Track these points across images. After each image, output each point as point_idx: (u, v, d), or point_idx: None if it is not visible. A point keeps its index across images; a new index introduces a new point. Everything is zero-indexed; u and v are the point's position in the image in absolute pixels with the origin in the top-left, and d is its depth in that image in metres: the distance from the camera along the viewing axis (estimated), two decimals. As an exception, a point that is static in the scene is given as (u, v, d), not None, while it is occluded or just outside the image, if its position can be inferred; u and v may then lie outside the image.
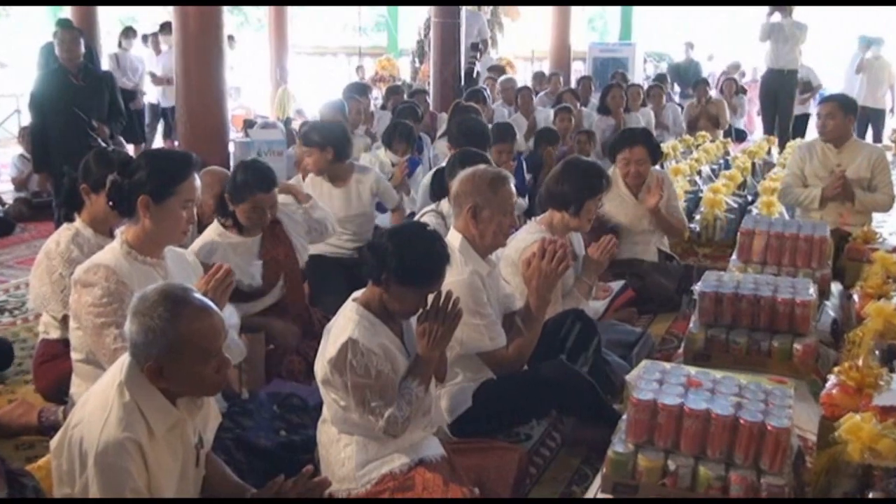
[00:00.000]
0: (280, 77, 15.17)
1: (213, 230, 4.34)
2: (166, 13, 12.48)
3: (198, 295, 2.52)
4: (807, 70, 13.36)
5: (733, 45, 20.79)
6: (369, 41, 22.32)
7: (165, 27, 12.25)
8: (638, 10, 19.26)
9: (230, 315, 3.44)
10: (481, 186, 3.67)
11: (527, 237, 4.28)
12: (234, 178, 4.32)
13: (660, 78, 14.20)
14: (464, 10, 11.65)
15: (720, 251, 6.54)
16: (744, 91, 14.22)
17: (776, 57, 11.77)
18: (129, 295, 3.09)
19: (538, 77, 14.27)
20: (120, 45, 11.91)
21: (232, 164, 7.54)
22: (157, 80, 12.19)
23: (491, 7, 17.28)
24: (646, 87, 12.96)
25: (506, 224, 3.70)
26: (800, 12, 12.12)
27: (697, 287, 3.98)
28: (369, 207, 5.80)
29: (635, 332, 4.81)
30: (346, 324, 3.02)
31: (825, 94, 8.76)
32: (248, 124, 9.81)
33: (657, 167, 6.18)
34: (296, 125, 10.00)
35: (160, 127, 12.74)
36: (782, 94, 11.94)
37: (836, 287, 5.02)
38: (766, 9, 11.87)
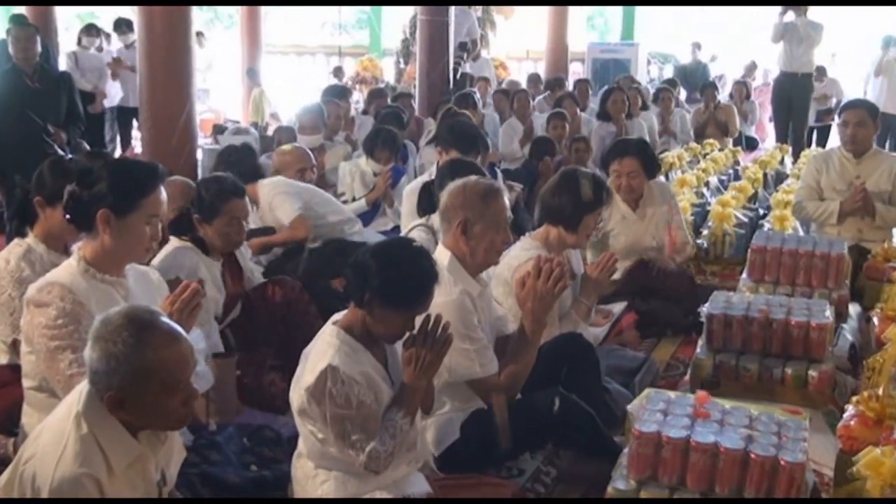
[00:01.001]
0: (252, 79, 15.17)
1: (176, 243, 4.36)
2: (129, 9, 12.42)
3: (166, 320, 2.51)
4: (830, 83, 13.40)
5: (742, 46, 20.89)
6: (350, 40, 22.35)
7: (121, 24, 12.21)
8: (641, 8, 19.34)
9: (198, 339, 3.43)
10: (472, 199, 3.68)
11: (521, 254, 4.28)
12: (199, 194, 4.34)
13: (670, 81, 14.25)
14: (453, 6, 11.69)
15: (729, 269, 6.54)
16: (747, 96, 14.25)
17: (790, 59, 11.82)
18: (87, 316, 3.08)
19: (534, 80, 14.31)
20: (80, 42, 11.88)
21: (200, 172, 7.54)
22: (116, 65, 11.95)
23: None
24: (651, 90, 13.01)
25: (499, 241, 3.70)
26: (815, 12, 12.17)
27: (705, 309, 4.00)
28: None
29: (638, 357, 4.81)
30: (325, 349, 3.01)
31: (848, 99, 8.78)
32: (218, 129, 9.84)
33: (660, 178, 6.20)
34: (272, 130, 10.02)
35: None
36: (796, 99, 11.99)
37: (854, 309, 5.05)
38: (777, 8, 11.93)
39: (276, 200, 5.63)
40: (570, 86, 13.57)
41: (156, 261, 4.14)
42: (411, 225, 5.28)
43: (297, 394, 3.03)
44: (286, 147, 6.36)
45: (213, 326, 4.24)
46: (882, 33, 13.95)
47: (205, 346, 3.64)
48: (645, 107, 11.20)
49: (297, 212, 5.58)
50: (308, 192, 5.85)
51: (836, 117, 8.51)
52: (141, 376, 2.41)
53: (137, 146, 11.34)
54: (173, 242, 4.35)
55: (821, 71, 14.05)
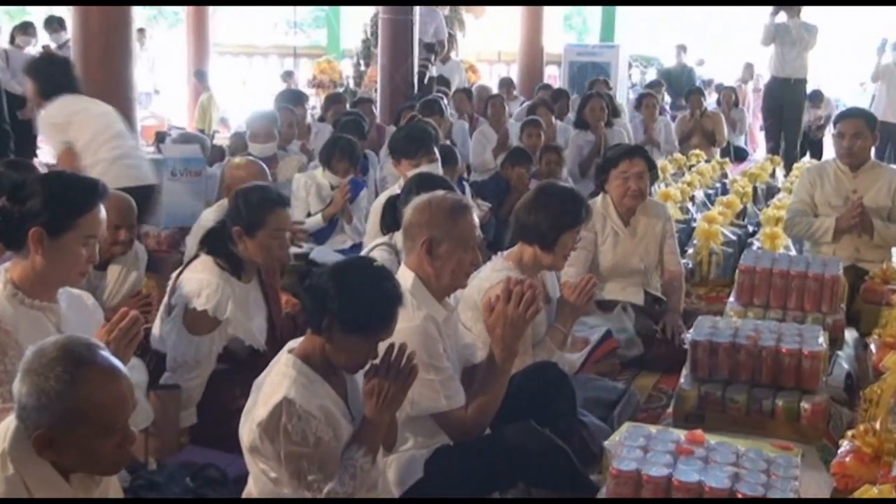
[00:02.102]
0: (200, 82, 15.14)
1: (211, 270, 4.26)
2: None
3: (105, 354, 2.49)
4: (826, 105, 13.53)
5: (731, 49, 21.08)
6: (306, 39, 22.37)
7: (52, 22, 12.12)
8: (622, 7, 19.48)
9: (136, 370, 3.42)
10: (438, 216, 3.68)
11: (492, 276, 4.28)
12: (238, 206, 4.31)
13: (653, 85, 14.32)
14: (418, 6, 11.71)
15: (716, 292, 6.56)
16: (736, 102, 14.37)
17: (782, 63, 11.90)
18: (14, 345, 3.05)
19: (506, 84, 14.36)
20: (13, 41, 11.79)
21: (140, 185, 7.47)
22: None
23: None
24: (630, 95, 13.07)
25: (467, 261, 3.70)
26: (809, 13, 12.25)
27: (689, 335, 4.03)
28: None
29: (617, 388, 4.82)
30: (280, 380, 3.00)
31: (844, 108, 8.86)
32: (161, 137, 9.78)
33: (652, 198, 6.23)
34: (222, 139, 10.00)
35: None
36: (789, 106, 12.08)
37: (850, 335, 5.09)
38: (768, 8, 12.01)
39: None
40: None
41: (193, 292, 4.15)
42: (372, 244, 5.28)
43: (248, 429, 3.01)
44: (239, 160, 6.09)
45: None
46: (876, 36, 14.14)
47: (144, 376, 3.63)
48: (616, 114, 11.05)
49: None
50: None
51: (831, 127, 8.58)
52: (74, 416, 2.39)
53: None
54: (208, 268, 4.27)
55: (816, 95, 14.16)
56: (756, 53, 14.19)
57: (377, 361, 3.09)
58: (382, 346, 3.12)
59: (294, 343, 3.15)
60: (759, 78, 16.58)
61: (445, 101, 10.80)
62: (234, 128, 11.67)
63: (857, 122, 6.22)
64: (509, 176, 8.19)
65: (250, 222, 4.27)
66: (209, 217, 5.47)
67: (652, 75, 18.18)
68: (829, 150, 12.37)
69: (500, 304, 3.60)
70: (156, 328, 4.36)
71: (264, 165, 5.78)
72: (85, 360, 2.43)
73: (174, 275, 4.36)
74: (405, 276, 3.64)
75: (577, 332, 5.02)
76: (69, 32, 10.19)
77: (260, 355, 4.22)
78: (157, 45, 17.76)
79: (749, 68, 17.02)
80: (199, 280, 4.19)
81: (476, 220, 3.78)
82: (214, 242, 4.33)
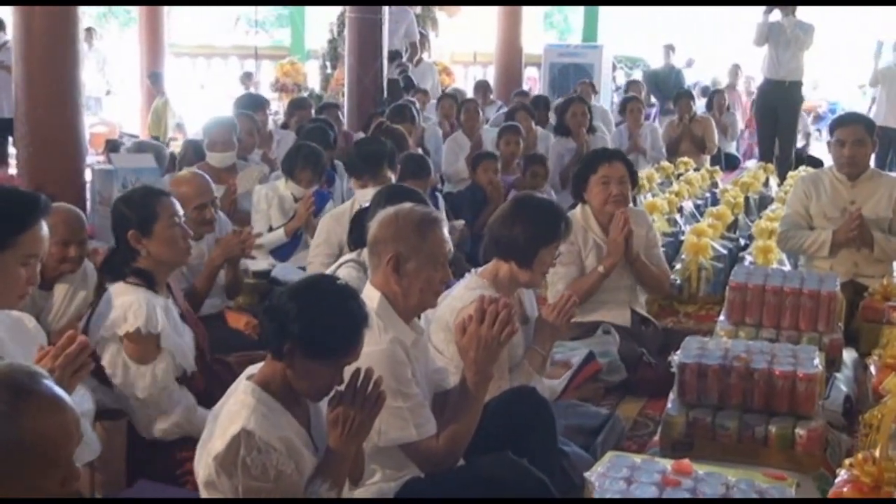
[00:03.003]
0: (155, 85, 15.10)
1: (125, 291, 4.13)
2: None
3: (48, 384, 2.45)
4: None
5: (721, 49, 21.19)
6: (268, 40, 22.36)
7: None
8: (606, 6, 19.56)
9: (82, 401, 3.39)
10: (405, 231, 3.67)
11: (465, 294, 4.28)
12: (127, 207, 4.24)
13: (629, 86, 14.31)
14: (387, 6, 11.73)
15: (705, 310, 6.56)
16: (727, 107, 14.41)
17: (776, 65, 11.95)
18: (-52, 373, 3.02)
19: (482, 87, 14.39)
20: None
21: (89, 197, 7.45)
22: None
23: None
24: (615, 99, 13.10)
25: (436, 279, 3.69)
26: (805, 12, 12.30)
27: (676, 357, 4.02)
28: None
29: (600, 414, 4.82)
30: (238, 410, 2.99)
31: (841, 113, 8.88)
32: (112, 146, 9.75)
33: (630, 204, 6.23)
34: (178, 147, 9.96)
35: None
36: (784, 110, 12.13)
37: (848, 355, 5.10)
38: (761, 7, 12.06)
39: None
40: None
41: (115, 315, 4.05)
42: (341, 260, 5.24)
43: (204, 462, 3.00)
44: (184, 174, 5.82)
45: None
46: (872, 37, 14.26)
47: (91, 406, 3.60)
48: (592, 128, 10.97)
49: None
50: None
51: (817, 134, 8.58)
52: (13, 450, 2.36)
53: (12, 166, 11.21)
54: (117, 290, 4.16)
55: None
56: (749, 54, 14.21)
57: (342, 388, 3.08)
58: (348, 372, 3.11)
59: (253, 369, 3.13)
60: (752, 80, 16.62)
61: (417, 105, 10.80)
62: (191, 135, 11.60)
63: (857, 129, 6.19)
64: (481, 182, 8.18)
65: (142, 219, 4.21)
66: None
67: (638, 77, 18.21)
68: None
69: (473, 325, 3.58)
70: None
71: (210, 180, 5.57)
72: (26, 390, 2.39)
73: (80, 325, 4.21)
74: (370, 296, 3.62)
75: (557, 355, 5.03)
76: (8, 34, 10.15)
77: (191, 379, 4.20)
78: (108, 46, 17.69)
79: (735, 69, 17.00)
80: (118, 306, 4.07)
81: (447, 233, 3.77)
82: (115, 267, 4.24)
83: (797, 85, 12.17)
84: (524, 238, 4.42)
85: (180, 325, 4.26)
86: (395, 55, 13.76)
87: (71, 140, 7.12)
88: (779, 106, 12.12)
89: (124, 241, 4.19)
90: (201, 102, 16.78)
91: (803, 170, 9.69)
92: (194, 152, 7.74)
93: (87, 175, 7.71)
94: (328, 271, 4.93)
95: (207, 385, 4.23)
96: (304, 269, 6.38)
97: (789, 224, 6.36)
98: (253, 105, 9.07)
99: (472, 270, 4.62)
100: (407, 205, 3.84)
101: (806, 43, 11.92)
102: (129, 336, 3.99)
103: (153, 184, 5.94)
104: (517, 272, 4.45)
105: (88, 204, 7.31)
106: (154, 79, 15.28)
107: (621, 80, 18.55)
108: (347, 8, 11.91)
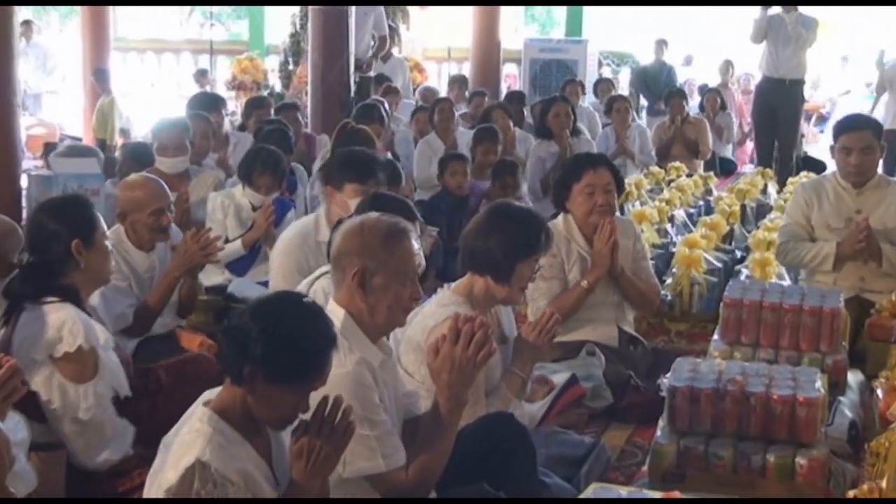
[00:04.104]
0: (101, 83, 15.02)
1: (52, 309, 4.12)
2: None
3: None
4: None
5: (716, 44, 21.27)
6: (225, 33, 22.31)
7: None
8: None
9: (17, 427, 3.37)
10: (372, 243, 3.66)
11: (438, 312, 4.27)
12: (73, 211, 4.30)
13: (600, 84, 14.28)
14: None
15: (698, 328, 6.58)
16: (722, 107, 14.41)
17: (775, 62, 11.95)
18: None
19: (458, 82, 14.37)
20: None
21: (25, 205, 7.41)
22: None
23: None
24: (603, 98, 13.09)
25: (405, 295, 3.68)
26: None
27: (666, 380, 4.03)
28: None
29: (585, 443, 4.81)
30: (193, 439, 2.98)
31: (845, 116, 8.85)
32: (51, 149, 9.69)
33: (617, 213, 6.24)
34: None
35: None
36: (784, 111, 12.14)
37: (854, 377, 5.11)
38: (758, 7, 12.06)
39: None
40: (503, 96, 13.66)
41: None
42: (318, 272, 5.18)
43: (155, 493, 2.99)
44: (135, 178, 5.64)
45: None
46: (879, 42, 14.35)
47: (26, 434, 3.58)
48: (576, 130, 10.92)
49: None
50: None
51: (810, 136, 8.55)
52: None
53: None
54: (49, 309, 4.11)
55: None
56: (746, 52, 14.26)
57: (308, 417, 3.07)
58: (314, 398, 3.10)
59: (210, 394, 3.12)
60: (751, 78, 16.62)
61: (386, 105, 10.78)
62: (138, 138, 11.54)
63: (865, 135, 6.14)
64: (450, 187, 8.16)
65: (86, 229, 4.25)
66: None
67: (626, 75, 18.24)
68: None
69: (446, 346, 3.58)
70: None
71: (164, 184, 5.54)
72: None
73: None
74: (335, 313, 3.61)
75: (535, 372, 5.00)
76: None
77: (126, 404, 4.19)
78: (48, 40, 17.62)
79: (727, 66, 16.89)
80: (51, 326, 4.03)
81: (417, 246, 3.76)
82: (36, 284, 4.18)
83: (798, 83, 12.19)
84: (500, 251, 4.41)
85: (111, 343, 4.26)
86: (359, 64, 13.72)
87: (5, 143, 7.09)
88: (778, 106, 12.13)
89: (56, 253, 4.17)
90: (151, 102, 16.71)
91: (804, 175, 9.71)
92: (134, 159, 7.57)
93: (24, 181, 7.68)
94: (304, 283, 4.90)
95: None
96: (264, 284, 6.35)
97: (789, 235, 6.33)
98: (208, 105, 9.03)
99: (446, 285, 4.62)
100: (373, 214, 3.83)
101: (808, 39, 11.91)
102: (68, 356, 3.98)
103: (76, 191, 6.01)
104: (494, 287, 4.45)
105: (25, 212, 7.27)
106: (99, 76, 15.17)
107: (608, 77, 18.55)
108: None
